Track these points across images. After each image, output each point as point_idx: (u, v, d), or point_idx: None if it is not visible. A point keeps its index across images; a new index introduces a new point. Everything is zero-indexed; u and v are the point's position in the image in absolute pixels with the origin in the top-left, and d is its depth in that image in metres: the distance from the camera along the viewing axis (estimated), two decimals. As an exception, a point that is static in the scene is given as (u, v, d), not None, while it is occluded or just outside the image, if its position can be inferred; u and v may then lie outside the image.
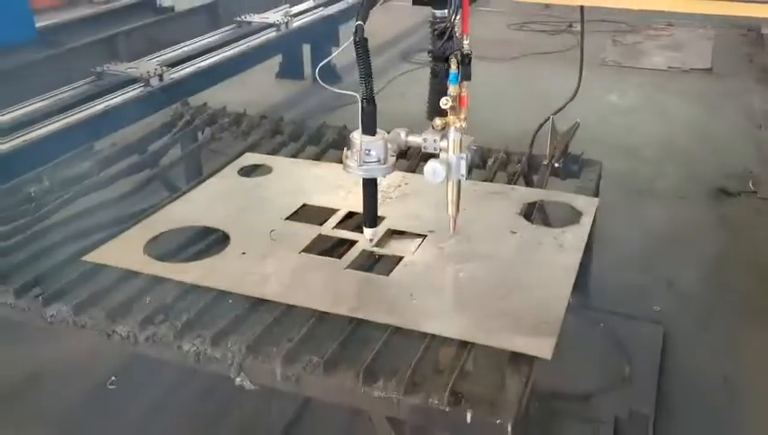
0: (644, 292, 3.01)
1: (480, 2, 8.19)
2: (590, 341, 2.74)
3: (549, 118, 2.78)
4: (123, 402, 2.44)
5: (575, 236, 2.21)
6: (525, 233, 2.22)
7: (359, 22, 1.81)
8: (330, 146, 2.90)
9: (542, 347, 1.69)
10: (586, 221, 2.30)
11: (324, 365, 1.67)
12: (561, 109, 2.82)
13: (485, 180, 2.61)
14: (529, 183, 2.71)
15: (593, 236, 2.85)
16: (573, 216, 2.34)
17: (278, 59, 5.50)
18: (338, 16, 5.41)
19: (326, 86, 1.90)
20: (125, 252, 2.11)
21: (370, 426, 1.75)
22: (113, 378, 2.53)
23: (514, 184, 2.61)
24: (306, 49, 5.49)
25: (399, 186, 2.50)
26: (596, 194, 2.63)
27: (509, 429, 1.53)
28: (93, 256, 2.09)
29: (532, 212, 2.36)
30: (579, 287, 2.90)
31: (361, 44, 1.79)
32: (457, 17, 1.83)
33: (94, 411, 2.42)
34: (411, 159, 2.72)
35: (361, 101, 1.85)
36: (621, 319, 2.81)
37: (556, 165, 2.68)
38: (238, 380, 1.75)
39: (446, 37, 1.81)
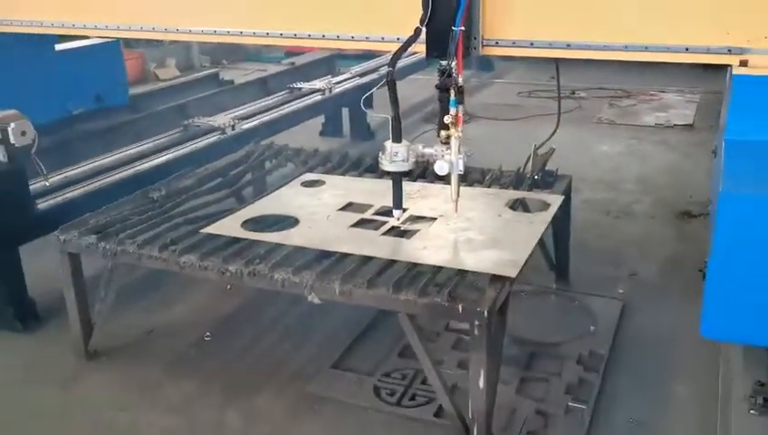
0: (613, 280, 3.82)
1: (495, 74, 9.33)
2: (567, 313, 3.56)
3: (533, 146, 3.71)
4: (218, 347, 3.32)
5: (542, 217, 3.10)
6: (508, 216, 3.13)
7: (389, 68, 2.79)
8: (366, 170, 3.84)
9: (510, 271, 2.57)
10: (552, 209, 3.19)
11: (368, 283, 2.56)
12: (544, 142, 3.73)
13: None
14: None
15: (569, 234, 3.75)
16: (544, 206, 3.24)
17: (321, 120, 6.55)
18: (372, 84, 6.45)
19: (366, 110, 2.87)
20: (228, 228, 3.05)
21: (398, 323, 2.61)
22: (208, 333, 3.44)
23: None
24: (345, 112, 6.54)
25: (419, 190, 3.43)
26: (566, 196, 3.50)
27: (485, 314, 2.39)
28: (207, 230, 3.03)
29: (515, 205, 3.27)
30: (561, 277, 3.79)
31: (391, 82, 2.77)
32: (454, 63, 2.79)
33: (199, 350, 3.30)
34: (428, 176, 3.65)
35: (391, 119, 2.81)
36: (592, 298, 3.63)
37: (536, 177, 3.58)
38: (309, 297, 2.64)
39: (446, 75, 2.77)
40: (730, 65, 2.74)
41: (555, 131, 3.78)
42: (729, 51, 2.71)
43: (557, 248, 3.71)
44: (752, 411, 2.27)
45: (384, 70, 6.26)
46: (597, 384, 2.95)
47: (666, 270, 3.95)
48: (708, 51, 2.75)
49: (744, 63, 2.69)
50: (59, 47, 5.30)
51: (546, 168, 3.66)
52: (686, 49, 2.78)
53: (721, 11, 2.68)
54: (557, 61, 3.88)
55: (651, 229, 4.50)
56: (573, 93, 7.94)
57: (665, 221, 4.61)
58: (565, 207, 3.59)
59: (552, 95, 7.99)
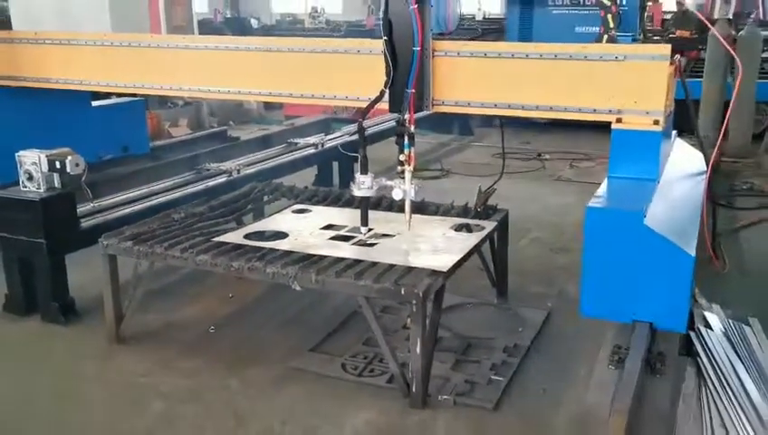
0: (544, 297, 4.68)
1: (473, 139, 10.39)
2: (502, 318, 4.42)
3: (479, 187, 4.64)
4: (220, 337, 4.16)
5: (477, 234, 4.01)
6: (451, 235, 4.04)
7: (360, 119, 3.77)
8: (345, 204, 4.75)
9: (443, 268, 3.46)
10: (485, 231, 4.10)
11: (336, 274, 3.44)
12: (490, 186, 4.64)
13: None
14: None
15: (507, 257, 4.63)
16: (480, 229, 4.15)
17: (314, 171, 7.51)
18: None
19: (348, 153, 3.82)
20: (233, 238, 3.96)
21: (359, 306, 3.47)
22: (212, 327, 4.29)
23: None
24: (335, 165, 7.52)
25: (384, 217, 4.35)
26: (502, 225, 4.41)
27: (421, 294, 3.26)
28: (217, 239, 3.93)
29: (459, 228, 4.17)
30: (501, 293, 4.65)
31: (360, 129, 3.74)
32: (407, 115, 3.74)
33: (206, 339, 4.14)
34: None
35: (360, 158, 3.76)
36: (524, 308, 4.49)
37: (479, 210, 4.49)
38: (293, 285, 3.52)
39: (400, 123, 3.72)
40: (611, 122, 3.70)
41: (499, 178, 4.72)
42: (610, 111, 3.68)
43: (496, 269, 4.59)
44: (610, 366, 3.11)
45: (371, 130, 7.33)
46: (515, 364, 3.79)
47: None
48: (595, 111, 3.73)
49: (619, 121, 3.66)
50: (94, 103, 6.32)
51: (488, 204, 4.58)
52: (579, 109, 3.76)
53: (604, 84, 3.67)
54: (502, 125, 4.92)
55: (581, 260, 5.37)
56: (540, 156, 8.96)
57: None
58: (503, 235, 4.51)
59: (521, 156, 9.06)
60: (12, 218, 4.24)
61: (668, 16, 13.56)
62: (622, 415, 2.56)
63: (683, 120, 4.42)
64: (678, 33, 10.55)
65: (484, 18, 15.63)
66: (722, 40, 5.11)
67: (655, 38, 11.20)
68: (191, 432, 3.28)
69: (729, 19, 9.56)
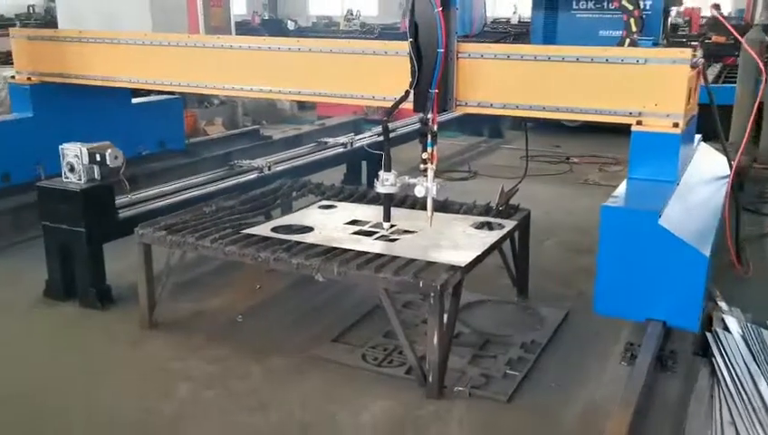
0: (563, 297, 4.75)
1: (503, 142, 10.44)
2: (521, 316, 4.50)
3: (501, 187, 4.73)
4: (247, 326, 4.32)
5: (498, 232, 4.11)
6: (471, 232, 4.14)
7: (384, 118, 3.90)
8: (370, 201, 4.88)
9: (462, 263, 3.56)
10: (506, 228, 4.19)
11: (357, 266, 3.57)
12: (514, 186, 4.73)
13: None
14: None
15: (528, 257, 4.70)
16: (500, 227, 4.24)
17: (343, 169, 7.66)
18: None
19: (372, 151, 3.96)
20: (260, 231, 4.11)
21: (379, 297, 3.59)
22: (240, 316, 4.45)
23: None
24: (364, 164, 7.65)
25: (407, 214, 4.46)
26: (523, 225, 4.49)
27: (439, 287, 3.37)
28: (245, 231, 4.09)
29: (480, 226, 4.27)
30: (521, 292, 4.73)
31: (385, 128, 3.86)
32: (430, 115, 3.86)
33: (233, 327, 4.31)
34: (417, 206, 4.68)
35: (384, 156, 3.89)
36: (544, 307, 4.56)
37: (500, 209, 4.58)
38: (317, 276, 3.65)
39: (423, 122, 3.84)
40: (631, 124, 3.77)
41: (522, 179, 4.82)
42: (630, 113, 3.75)
43: (517, 268, 4.67)
44: (622, 362, 3.18)
45: (400, 130, 7.46)
46: (531, 360, 3.87)
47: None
48: (615, 113, 3.80)
49: (639, 123, 3.72)
50: (134, 101, 6.57)
51: (510, 203, 4.66)
52: (600, 111, 3.84)
53: (625, 87, 3.74)
54: (526, 126, 5.00)
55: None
56: (568, 159, 8.98)
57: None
58: (524, 234, 4.59)
59: (550, 159, 9.09)
60: (54, 208, 4.46)
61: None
62: (628, 407, 2.63)
63: (709, 125, 4.46)
64: (714, 38, 10.47)
65: (519, 21, 15.66)
66: (745, 44, 5.12)
67: (692, 43, 11.12)
68: (216, 414, 3.44)
69: (766, 25, 9.47)
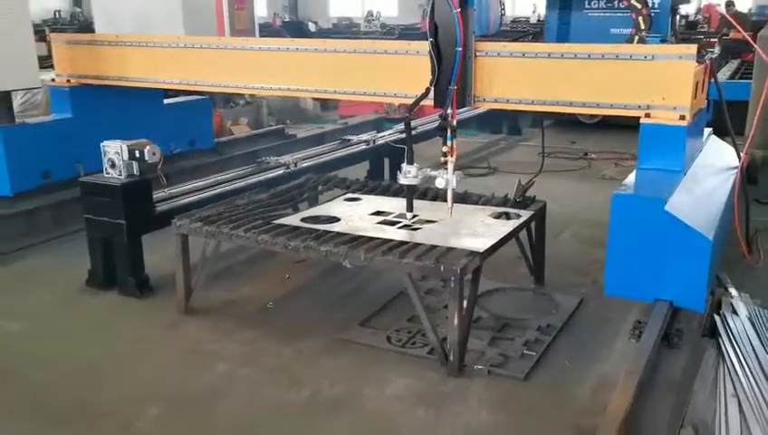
0: (579, 285, 4.94)
1: (521, 138, 10.63)
2: (537, 302, 4.71)
3: (518, 180, 4.94)
4: (277, 312, 4.58)
5: (514, 221, 4.32)
6: (489, 222, 4.36)
7: (407, 113, 4.13)
8: (393, 194, 5.12)
9: (480, 249, 3.79)
10: (523, 217, 4.41)
11: (382, 253, 3.81)
12: (531, 179, 4.94)
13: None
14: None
15: (544, 246, 4.91)
16: (517, 217, 4.45)
17: (366, 166, 7.90)
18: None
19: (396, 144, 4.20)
20: (290, 221, 4.37)
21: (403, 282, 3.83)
22: (270, 303, 4.71)
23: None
24: (386, 161, 7.89)
25: (429, 206, 4.70)
26: (539, 215, 4.70)
27: (458, 271, 3.60)
28: (276, 221, 4.35)
29: (498, 216, 4.49)
30: (538, 280, 4.94)
31: (407, 123, 4.10)
32: (450, 110, 4.08)
33: (264, 313, 4.57)
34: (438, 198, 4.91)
35: (406, 150, 4.13)
36: (559, 294, 4.77)
37: (518, 200, 4.79)
38: (344, 262, 3.90)
39: (443, 116, 4.07)
40: (640, 116, 3.97)
41: (539, 172, 5.05)
42: (639, 107, 3.95)
43: (534, 257, 4.88)
44: (631, 340, 3.38)
45: (420, 128, 7.68)
46: (547, 342, 4.08)
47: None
48: (625, 107, 4.00)
49: (648, 116, 3.92)
50: (166, 101, 6.88)
51: (527, 195, 4.87)
52: (611, 105, 4.04)
53: (634, 82, 3.94)
54: (542, 122, 5.21)
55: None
56: (585, 155, 9.15)
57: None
58: (540, 224, 4.80)
59: (568, 155, 9.27)
60: (96, 202, 4.76)
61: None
62: (633, 377, 2.84)
63: (719, 120, 4.64)
64: (732, 35, 10.56)
65: (538, 20, 15.82)
66: (751, 41, 5.28)
67: (711, 40, 11.24)
68: (250, 389, 3.70)
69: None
